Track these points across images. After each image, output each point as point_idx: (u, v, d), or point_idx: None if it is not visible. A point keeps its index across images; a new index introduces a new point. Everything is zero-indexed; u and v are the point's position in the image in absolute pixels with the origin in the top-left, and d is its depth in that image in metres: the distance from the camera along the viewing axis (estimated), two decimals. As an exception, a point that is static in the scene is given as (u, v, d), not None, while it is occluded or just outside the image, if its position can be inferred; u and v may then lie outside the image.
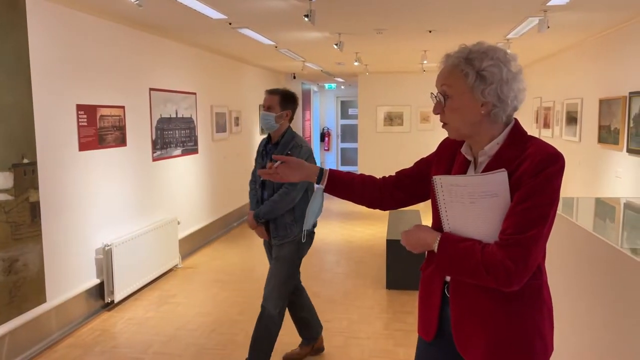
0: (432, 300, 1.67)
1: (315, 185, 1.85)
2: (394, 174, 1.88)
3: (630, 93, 4.84)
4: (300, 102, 13.89)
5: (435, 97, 1.57)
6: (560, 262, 3.13)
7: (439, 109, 1.57)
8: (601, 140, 5.53)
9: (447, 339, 1.64)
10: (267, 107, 3.20)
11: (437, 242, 1.53)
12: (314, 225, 3.00)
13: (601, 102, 5.52)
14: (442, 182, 1.53)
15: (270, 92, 3.24)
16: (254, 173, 3.42)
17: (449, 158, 1.70)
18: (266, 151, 3.30)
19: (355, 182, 1.86)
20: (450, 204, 1.53)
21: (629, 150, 4.85)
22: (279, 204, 3.10)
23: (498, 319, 1.51)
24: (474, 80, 1.48)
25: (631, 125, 4.80)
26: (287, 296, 3.24)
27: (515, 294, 1.47)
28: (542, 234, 1.43)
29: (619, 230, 3.08)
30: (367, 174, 1.93)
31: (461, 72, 1.50)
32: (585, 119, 6.12)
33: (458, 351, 1.60)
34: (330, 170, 1.86)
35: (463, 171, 1.62)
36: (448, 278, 1.62)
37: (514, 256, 1.40)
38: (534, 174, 1.42)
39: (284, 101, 3.20)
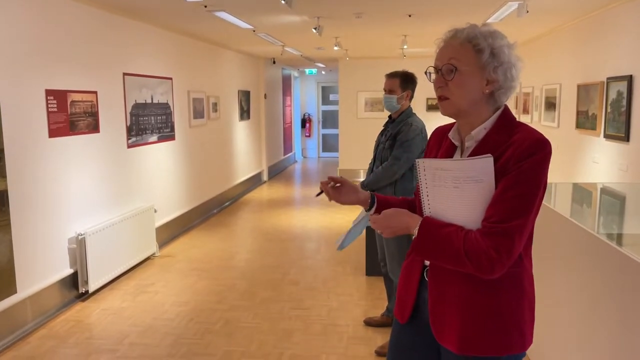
0: (410, 284, 1.67)
1: (363, 212, 1.78)
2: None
3: (607, 79, 4.86)
4: (280, 87, 13.67)
5: (438, 71, 1.52)
6: (539, 249, 3.13)
7: (442, 82, 1.51)
8: (579, 125, 5.56)
9: (421, 322, 1.64)
10: (388, 90, 3.40)
11: (418, 226, 1.50)
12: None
13: (579, 87, 5.54)
14: (425, 166, 1.51)
15: (390, 76, 3.42)
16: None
17: (437, 146, 1.69)
18: (385, 128, 3.52)
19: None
20: (433, 188, 1.50)
21: (606, 136, 4.88)
22: (381, 175, 3.38)
23: (475, 308, 1.49)
24: (487, 56, 1.46)
25: (608, 110, 4.82)
26: (401, 262, 3.35)
27: (495, 282, 1.46)
28: (527, 223, 1.42)
29: (596, 216, 3.10)
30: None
31: (475, 46, 1.47)
32: (564, 104, 6.14)
33: (434, 335, 1.58)
34: (378, 196, 1.80)
35: (449, 156, 1.60)
36: (427, 262, 1.61)
37: (498, 245, 1.38)
38: (520, 160, 1.40)
39: (404, 82, 3.38)
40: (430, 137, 1.76)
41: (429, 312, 1.58)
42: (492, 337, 1.49)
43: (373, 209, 1.76)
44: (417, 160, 1.54)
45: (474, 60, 1.47)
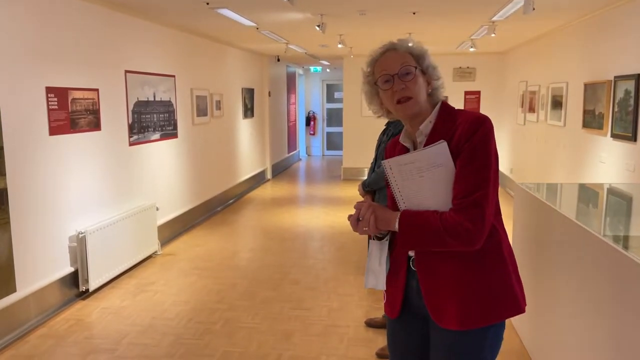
0: (398, 277, 1.73)
1: (375, 244, 1.71)
2: None
3: (615, 77, 4.78)
4: (284, 85, 13.55)
5: (393, 77, 1.63)
6: (543, 249, 3.08)
7: (402, 84, 1.63)
8: (585, 124, 5.48)
9: (412, 313, 1.73)
10: None
11: (398, 219, 1.60)
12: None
13: (586, 86, 5.47)
14: (391, 165, 1.63)
15: None
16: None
17: (392, 154, 1.79)
18: (387, 128, 3.50)
19: None
20: (403, 183, 1.62)
21: (613, 135, 4.80)
22: (382, 175, 3.39)
23: (467, 285, 1.60)
24: (426, 61, 1.66)
25: (616, 109, 4.75)
26: None
27: (478, 257, 1.59)
28: (489, 191, 1.56)
29: (602, 217, 3.04)
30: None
31: (418, 54, 1.66)
32: (570, 103, 6.07)
33: (434, 321, 1.65)
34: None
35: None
36: (412, 253, 1.69)
37: (471, 217, 1.53)
38: (468, 138, 1.56)
39: None
40: (385, 153, 1.87)
41: (425, 301, 1.65)
42: (488, 306, 1.60)
43: (387, 237, 1.73)
44: (382, 162, 1.65)
45: (417, 66, 1.66)
